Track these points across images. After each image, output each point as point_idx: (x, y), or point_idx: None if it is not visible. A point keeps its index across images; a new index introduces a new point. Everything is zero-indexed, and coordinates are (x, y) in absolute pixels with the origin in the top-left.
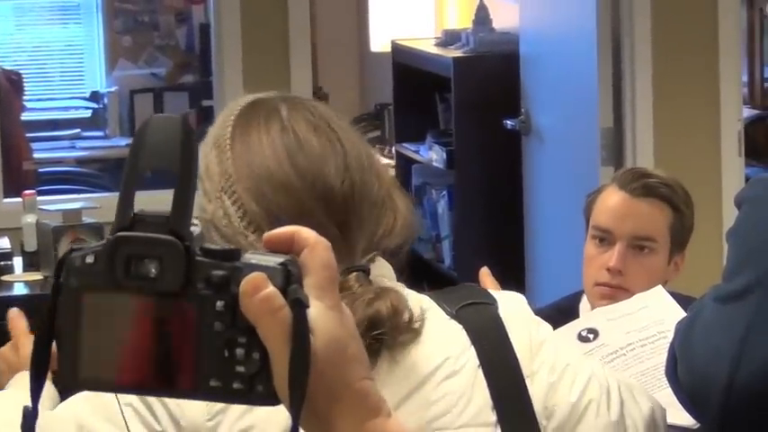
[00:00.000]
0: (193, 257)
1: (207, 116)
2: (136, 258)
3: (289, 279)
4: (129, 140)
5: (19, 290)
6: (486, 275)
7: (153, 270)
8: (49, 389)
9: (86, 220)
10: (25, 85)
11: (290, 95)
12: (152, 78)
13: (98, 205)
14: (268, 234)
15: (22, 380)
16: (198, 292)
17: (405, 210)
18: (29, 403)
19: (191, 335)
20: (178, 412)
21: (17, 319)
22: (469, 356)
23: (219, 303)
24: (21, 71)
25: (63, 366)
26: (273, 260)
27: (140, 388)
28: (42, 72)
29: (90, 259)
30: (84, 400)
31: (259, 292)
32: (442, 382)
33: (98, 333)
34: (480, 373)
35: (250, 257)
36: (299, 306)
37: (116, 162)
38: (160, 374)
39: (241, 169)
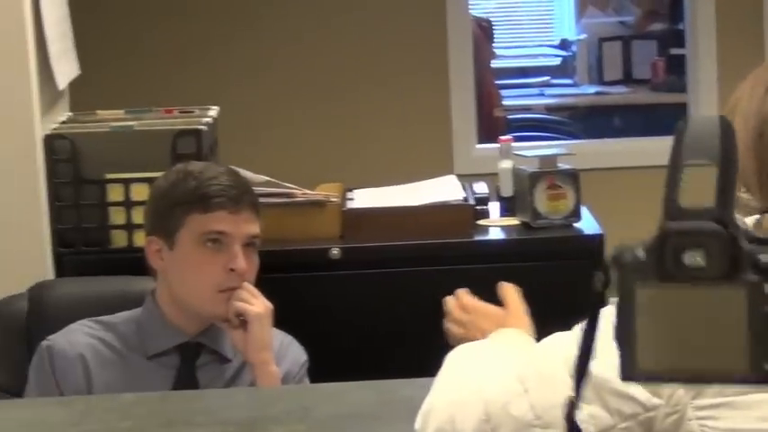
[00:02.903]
0: (739, 244)
1: (676, 64)
2: (683, 249)
3: None
4: (597, 88)
5: (495, 234)
6: None
7: (700, 260)
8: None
9: (562, 166)
10: (495, 32)
11: None
12: (620, 26)
13: (574, 152)
14: None
15: (504, 335)
16: (746, 277)
17: None
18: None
19: (741, 320)
20: None
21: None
22: None
23: None
24: (491, 18)
25: (623, 358)
26: None
27: (699, 378)
28: (512, 19)
29: (640, 254)
30: (573, 337)
31: None
32: None
33: (654, 326)
34: None
35: None
36: None
37: (585, 110)
38: (729, 363)
39: None
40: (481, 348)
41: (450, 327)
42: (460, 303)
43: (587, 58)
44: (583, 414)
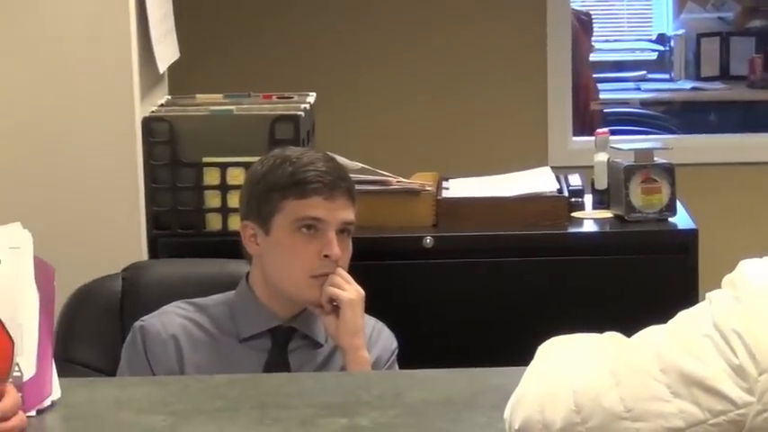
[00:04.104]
0: None
1: None
2: None
3: None
4: (694, 84)
5: (588, 227)
6: None
7: None
8: None
9: (657, 160)
10: (594, 25)
11: None
12: (719, 22)
13: (670, 146)
14: None
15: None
16: None
17: None
18: None
19: None
20: (754, 346)
21: None
22: None
23: None
24: (591, 11)
25: None
26: None
27: None
28: (611, 13)
29: None
30: (667, 332)
31: None
32: None
33: None
34: None
35: None
36: None
37: (680, 105)
38: None
39: None
40: (574, 340)
41: None
42: None
43: (685, 53)
44: (672, 408)
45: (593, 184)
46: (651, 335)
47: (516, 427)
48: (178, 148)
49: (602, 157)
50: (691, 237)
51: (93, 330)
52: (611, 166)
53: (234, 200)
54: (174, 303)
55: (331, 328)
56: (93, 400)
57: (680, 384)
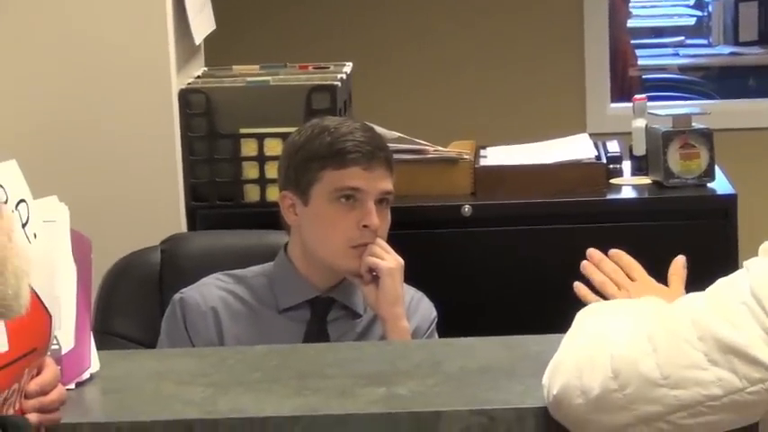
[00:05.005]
0: None
1: None
2: None
3: None
4: (732, 49)
5: (627, 193)
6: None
7: None
8: None
9: (695, 125)
10: None
11: None
12: None
13: (708, 112)
14: None
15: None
16: None
17: None
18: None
19: None
20: None
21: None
22: None
23: None
24: None
25: None
26: None
27: None
28: None
29: None
30: (704, 299)
31: None
32: None
33: None
34: None
35: None
36: None
37: (719, 70)
38: None
39: None
40: (612, 307)
41: (605, 287)
42: (625, 263)
43: (723, 18)
44: (709, 376)
45: (631, 151)
46: (689, 302)
47: (554, 393)
48: (215, 119)
49: (640, 123)
50: (729, 202)
51: (131, 302)
52: (649, 132)
53: (271, 171)
54: (212, 275)
55: (370, 298)
56: (132, 372)
57: (717, 352)
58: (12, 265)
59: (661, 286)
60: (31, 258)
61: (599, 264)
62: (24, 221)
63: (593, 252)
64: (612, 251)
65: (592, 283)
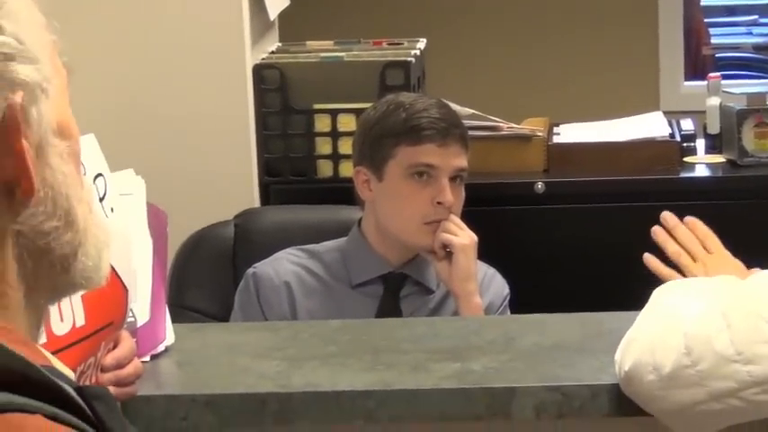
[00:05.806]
0: None
1: None
2: None
3: None
4: None
5: (700, 171)
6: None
7: None
8: None
9: None
10: None
11: None
12: None
13: None
14: None
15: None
16: None
17: None
18: None
19: None
20: None
21: None
22: None
23: None
24: None
25: None
26: None
27: None
28: None
29: None
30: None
31: None
32: None
33: None
34: None
35: None
36: None
37: None
38: None
39: None
40: (688, 284)
41: (679, 258)
42: (701, 232)
43: None
44: None
45: (705, 129)
46: (763, 278)
47: (626, 369)
48: (289, 95)
49: (714, 101)
50: None
51: (205, 277)
52: (723, 110)
53: (345, 146)
54: (286, 250)
55: (444, 274)
56: (206, 345)
57: None
58: (93, 237)
59: (737, 261)
60: (109, 230)
61: (673, 229)
62: (102, 196)
63: (667, 215)
64: (688, 218)
65: (665, 252)
